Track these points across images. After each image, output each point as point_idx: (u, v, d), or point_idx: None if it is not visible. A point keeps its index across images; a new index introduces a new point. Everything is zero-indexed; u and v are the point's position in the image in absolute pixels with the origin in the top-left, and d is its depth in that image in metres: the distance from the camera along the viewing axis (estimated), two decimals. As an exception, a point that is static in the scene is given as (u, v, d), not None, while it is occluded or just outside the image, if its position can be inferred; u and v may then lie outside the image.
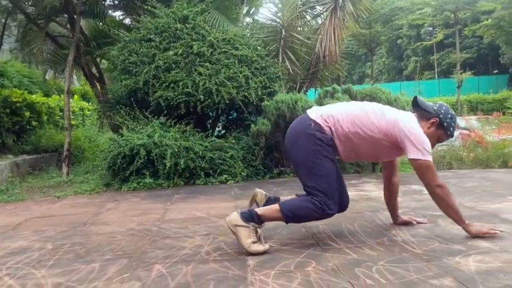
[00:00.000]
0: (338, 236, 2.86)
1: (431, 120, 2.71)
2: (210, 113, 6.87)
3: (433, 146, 2.77)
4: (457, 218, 2.66)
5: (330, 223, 3.17)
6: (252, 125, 5.75)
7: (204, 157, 5.48)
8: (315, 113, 2.71)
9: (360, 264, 2.31)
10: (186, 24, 6.33)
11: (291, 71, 6.83)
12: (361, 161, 4.44)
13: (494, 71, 39.92)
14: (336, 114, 2.67)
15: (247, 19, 8.44)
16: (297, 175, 2.80)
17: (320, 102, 6.06)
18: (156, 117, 5.95)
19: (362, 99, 5.89)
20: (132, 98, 6.15)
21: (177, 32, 6.22)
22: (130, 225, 3.54)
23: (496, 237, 2.61)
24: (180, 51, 6.02)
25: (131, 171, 5.42)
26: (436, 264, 2.24)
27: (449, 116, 2.73)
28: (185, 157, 5.39)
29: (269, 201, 2.90)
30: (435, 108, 2.74)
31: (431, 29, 34.50)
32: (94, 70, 8.85)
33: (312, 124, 2.64)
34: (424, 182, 2.62)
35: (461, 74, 22.21)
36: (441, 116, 2.71)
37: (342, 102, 2.90)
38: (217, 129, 7.06)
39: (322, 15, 7.61)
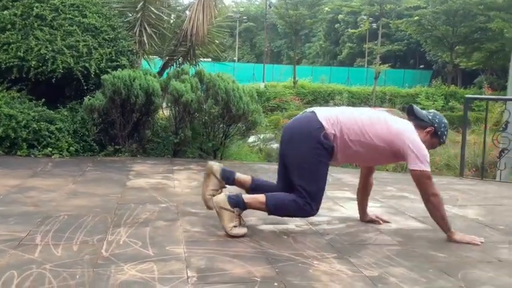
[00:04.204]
0: (76, 228, 2.76)
1: (427, 129, 2.87)
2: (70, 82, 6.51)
3: None
4: (444, 226, 2.84)
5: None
6: (86, 99, 5.50)
7: (28, 127, 5.21)
8: (324, 116, 2.76)
9: (30, 265, 2.21)
10: (31, -17, 5.89)
11: (147, 45, 6.59)
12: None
13: (421, 66, 41.62)
14: (344, 121, 2.75)
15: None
16: (289, 171, 2.84)
17: (167, 82, 5.91)
18: (-11, 81, 5.58)
19: (207, 85, 5.80)
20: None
21: (20, -10, 5.79)
22: None
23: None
24: (19, 12, 5.62)
25: None
26: (97, 272, 2.20)
27: (443, 125, 2.90)
28: (5, 126, 5.10)
29: (224, 172, 2.99)
30: (430, 117, 2.90)
31: (365, 17, 35.12)
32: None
33: (320, 127, 2.72)
34: (420, 190, 2.79)
35: (379, 65, 22.85)
36: (436, 125, 2.88)
37: (347, 107, 3.03)
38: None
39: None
